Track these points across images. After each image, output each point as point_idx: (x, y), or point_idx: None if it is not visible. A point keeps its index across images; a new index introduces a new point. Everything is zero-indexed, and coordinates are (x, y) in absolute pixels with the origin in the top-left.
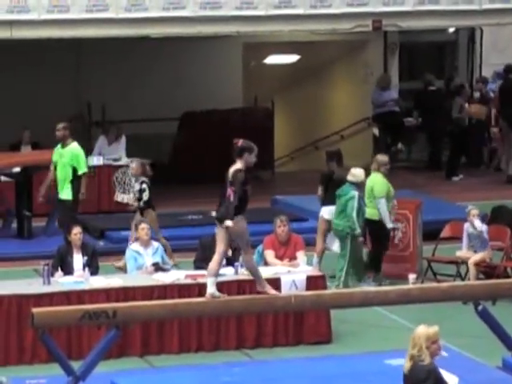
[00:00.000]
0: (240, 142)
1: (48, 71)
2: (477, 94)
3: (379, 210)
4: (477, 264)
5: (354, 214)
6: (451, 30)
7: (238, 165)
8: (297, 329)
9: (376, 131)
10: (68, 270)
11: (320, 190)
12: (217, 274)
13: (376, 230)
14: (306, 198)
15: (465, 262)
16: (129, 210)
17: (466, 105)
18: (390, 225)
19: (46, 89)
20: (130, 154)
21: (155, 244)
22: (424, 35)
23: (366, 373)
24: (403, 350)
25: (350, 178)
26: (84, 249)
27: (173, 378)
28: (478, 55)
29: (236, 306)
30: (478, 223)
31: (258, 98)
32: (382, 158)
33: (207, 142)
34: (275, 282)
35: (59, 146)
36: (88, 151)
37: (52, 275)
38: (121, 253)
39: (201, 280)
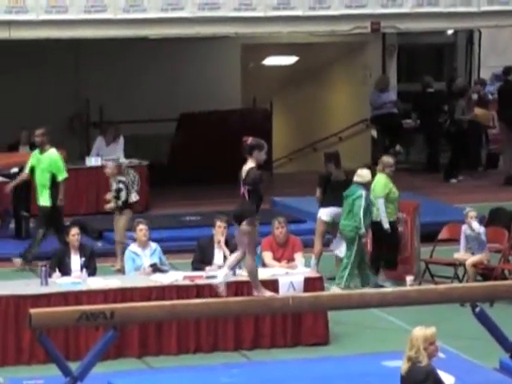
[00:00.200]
0: (250, 140)
1: (46, 72)
2: (475, 96)
3: (378, 209)
4: (474, 265)
5: (361, 213)
6: (450, 32)
7: (250, 163)
8: (294, 330)
9: (374, 133)
10: (66, 271)
11: (318, 192)
12: (233, 267)
13: (378, 229)
14: (304, 200)
15: (462, 263)
16: (105, 210)
17: (475, 110)
18: (386, 225)
19: (44, 89)
20: (128, 154)
21: (153, 245)
22: (422, 37)
23: (364, 374)
24: (400, 351)
25: (356, 178)
26: (82, 250)
27: (171, 379)
28: (476, 57)
29: (234, 307)
30: (475, 225)
31: (257, 99)
32: (388, 159)
33: (205, 142)
34: (273, 284)
35: (37, 151)
36: (86, 152)
37: (50, 276)
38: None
39: (199, 281)
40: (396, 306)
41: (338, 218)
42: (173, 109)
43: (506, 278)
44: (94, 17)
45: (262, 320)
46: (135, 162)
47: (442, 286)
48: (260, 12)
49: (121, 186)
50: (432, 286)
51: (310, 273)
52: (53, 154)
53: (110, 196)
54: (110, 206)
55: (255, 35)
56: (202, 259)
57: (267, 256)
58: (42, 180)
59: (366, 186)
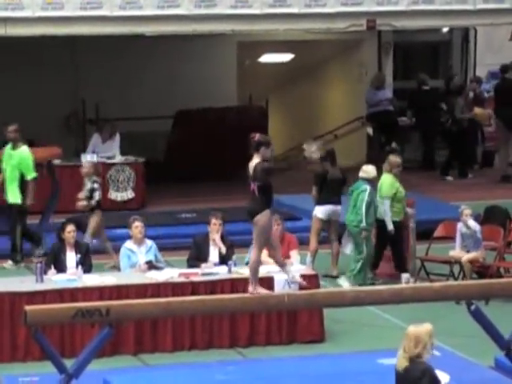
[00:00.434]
0: (257, 137)
1: (43, 70)
2: (471, 95)
3: (384, 209)
4: (470, 262)
5: (364, 207)
6: (445, 29)
7: (256, 159)
8: (290, 328)
9: (370, 130)
10: (61, 268)
11: (314, 190)
12: (283, 264)
13: (385, 228)
14: (299, 197)
15: (458, 261)
16: (77, 209)
17: (475, 109)
18: (390, 227)
19: (40, 87)
20: (124, 152)
21: (149, 242)
22: (418, 35)
23: (359, 372)
24: (396, 349)
25: (362, 174)
26: (77, 247)
27: (166, 376)
28: (472, 55)
29: (229, 304)
30: (472, 223)
31: (253, 97)
32: (395, 159)
33: (202, 140)
34: (268, 281)
35: (9, 146)
36: (82, 149)
37: (45, 273)
38: (115, 251)
39: (194, 278)
40: (391, 304)
41: (333, 216)
42: (169, 106)
43: (501, 276)
44: (90, 14)
45: (257, 317)
46: (131, 159)
47: (437, 284)
48: (256, 9)
49: (95, 186)
50: (427, 284)
51: (306, 270)
52: (24, 151)
53: (82, 195)
54: (82, 203)
55: (251, 33)
56: (198, 256)
57: (262, 253)
58: (11, 176)
59: (371, 181)
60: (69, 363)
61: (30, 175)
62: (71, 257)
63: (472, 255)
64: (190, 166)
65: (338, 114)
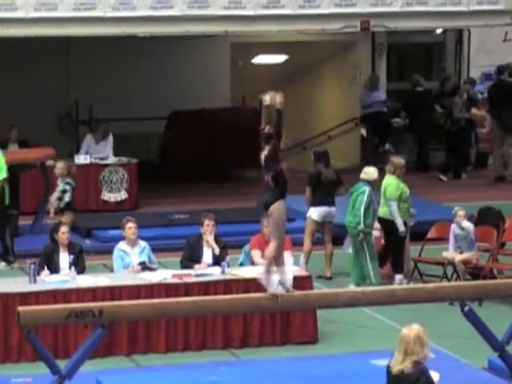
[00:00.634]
0: (267, 129)
1: (36, 71)
2: (464, 96)
3: (391, 212)
4: (463, 263)
5: (362, 208)
6: (439, 31)
7: (266, 151)
8: (283, 329)
9: (364, 132)
10: (54, 269)
11: (308, 192)
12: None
13: (390, 229)
14: (293, 198)
15: (451, 262)
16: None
17: (472, 110)
18: (401, 228)
19: (34, 88)
20: (118, 152)
21: (142, 243)
22: (412, 36)
23: (353, 373)
24: (389, 350)
25: (362, 175)
26: (71, 248)
27: (159, 377)
28: (465, 56)
29: (223, 305)
30: (466, 223)
31: (246, 98)
32: (399, 160)
33: (195, 141)
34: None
35: None
36: (76, 150)
37: (38, 274)
38: (108, 252)
39: (187, 279)
40: (385, 305)
41: (328, 218)
42: (162, 107)
43: (494, 278)
44: (83, 14)
45: (250, 318)
46: (124, 160)
47: (431, 285)
48: (250, 10)
49: (67, 187)
50: (421, 285)
51: (299, 271)
52: None
53: (53, 197)
54: (52, 204)
55: (245, 34)
56: (191, 257)
57: (256, 254)
58: None
59: (371, 183)
60: (62, 364)
61: (0, 175)
62: (64, 258)
63: (465, 256)
64: (184, 167)
65: (331, 115)
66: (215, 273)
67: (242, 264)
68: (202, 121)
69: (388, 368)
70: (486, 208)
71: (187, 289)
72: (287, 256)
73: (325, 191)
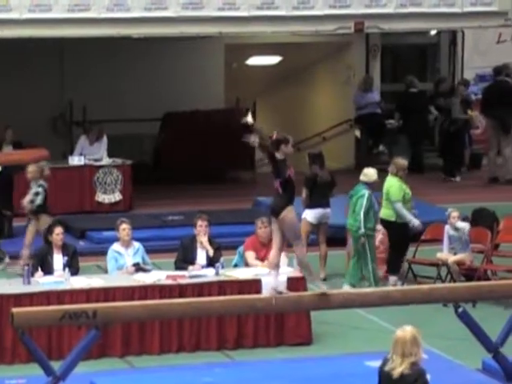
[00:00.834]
0: (275, 135)
1: (30, 72)
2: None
3: (398, 213)
4: (457, 265)
5: (362, 212)
6: (433, 32)
7: (277, 156)
8: (277, 330)
9: (358, 133)
10: (48, 270)
11: (304, 193)
12: (278, 266)
13: (392, 230)
14: None
15: (445, 263)
16: (23, 213)
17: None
18: (416, 223)
19: (28, 89)
20: (112, 154)
21: (136, 244)
22: (406, 37)
23: (347, 374)
24: (383, 351)
25: (362, 177)
26: (65, 249)
27: (153, 378)
28: (459, 58)
29: (217, 307)
30: (462, 224)
31: (240, 99)
32: (402, 161)
33: (189, 142)
34: (256, 284)
35: None
36: (70, 151)
37: (32, 275)
38: (102, 253)
39: (181, 281)
40: (379, 306)
41: (323, 219)
42: (156, 108)
43: (488, 279)
44: (78, 16)
45: (245, 320)
46: (119, 161)
47: (425, 286)
48: (244, 12)
49: (39, 189)
50: (415, 286)
51: (293, 273)
52: None
53: (26, 199)
54: (26, 206)
55: (239, 35)
56: (185, 259)
57: (250, 256)
58: None
59: (371, 185)
60: (56, 365)
61: None
62: (58, 259)
63: (459, 257)
64: (178, 169)
65: (325, 117)
66: (209, 274)
67: (236, 265)
68: (196, 122)
69: (381, 370)
70: (480, 209)
71: (181, 290)
72: (282, 257)
73: (320, 193)
